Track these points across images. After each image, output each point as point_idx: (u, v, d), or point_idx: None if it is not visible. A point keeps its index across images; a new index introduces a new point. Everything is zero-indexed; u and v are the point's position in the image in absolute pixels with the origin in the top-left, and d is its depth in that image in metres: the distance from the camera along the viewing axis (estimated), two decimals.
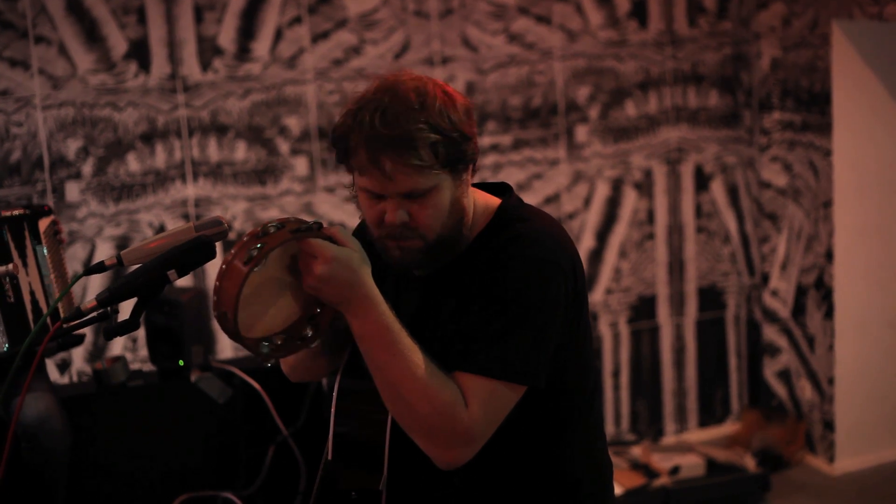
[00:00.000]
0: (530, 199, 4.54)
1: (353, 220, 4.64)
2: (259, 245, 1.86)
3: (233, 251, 1.87)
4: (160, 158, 4.35)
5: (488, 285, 2.00)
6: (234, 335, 1.90)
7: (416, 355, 1.94)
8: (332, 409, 2.21)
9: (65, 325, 1.97)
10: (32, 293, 3.34)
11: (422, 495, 2.14)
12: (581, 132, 4.89)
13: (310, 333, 2.02)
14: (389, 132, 1.94)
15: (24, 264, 3.35)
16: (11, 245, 3.33)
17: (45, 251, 3.40)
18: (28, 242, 3.37)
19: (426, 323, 2.09)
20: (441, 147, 1.96)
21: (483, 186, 2.20)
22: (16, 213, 3.40)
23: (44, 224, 3.44)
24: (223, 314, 1.88)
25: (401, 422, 1.98)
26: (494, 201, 2.14)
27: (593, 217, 4.96)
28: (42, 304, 3.39)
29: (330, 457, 2.21)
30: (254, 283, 1.87)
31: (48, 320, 3.14)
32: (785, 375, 5.13)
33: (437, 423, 1.93)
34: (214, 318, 1.92)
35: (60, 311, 3.42)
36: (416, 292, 2.14)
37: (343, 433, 2.19)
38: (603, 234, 4.99)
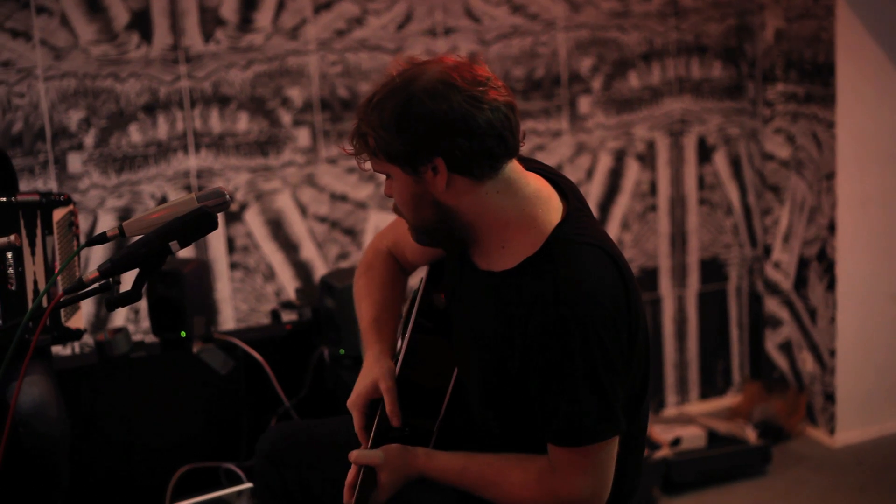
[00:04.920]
0: None
1: (355, 192, 4.64)
2: None
3: None
4: (162, 130, 4.34)
5: (550, 356, 2.08)
6: None
7: (489, 467, 2.23)
8: (404, 347, 2.41)
9: (66, 296, 1.97)
10: (36, 282, 3.33)
11: (465, 438, 2.32)
12: (584, 103, 4.87)
13: None
14: (356, 116, 2.16)
15: (32, 253, 3.33)
16: (23, 231, 3.30)
17: (56, 243, 3.36)
18: (39, 231, 3.34)
19: (470, 321, 2.27)
20: (372, 139, 2.11)
21: (552, 179, 2.26)
22: (30, 198, 3.36)
23: (58, 214, 3.37)
24: None
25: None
26: (549, 222, 2.16)
27: (596, 188, 4.95)
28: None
29: None
30: None
31: (44, 299, 3.14)
32: (786, 347, 5.13)
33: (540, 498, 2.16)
34: None
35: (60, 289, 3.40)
36: (473, 285, 2.27)
37: (409, 375, 2.39)
38: (605, 206, 4.99)
